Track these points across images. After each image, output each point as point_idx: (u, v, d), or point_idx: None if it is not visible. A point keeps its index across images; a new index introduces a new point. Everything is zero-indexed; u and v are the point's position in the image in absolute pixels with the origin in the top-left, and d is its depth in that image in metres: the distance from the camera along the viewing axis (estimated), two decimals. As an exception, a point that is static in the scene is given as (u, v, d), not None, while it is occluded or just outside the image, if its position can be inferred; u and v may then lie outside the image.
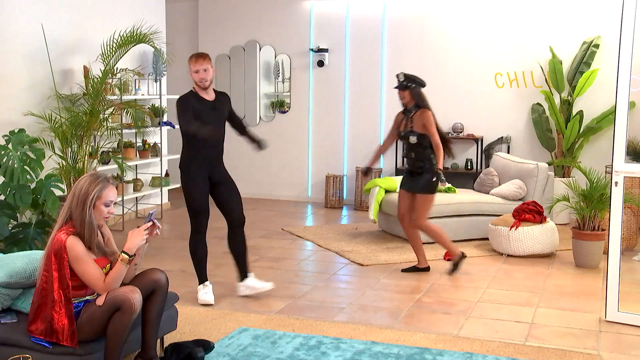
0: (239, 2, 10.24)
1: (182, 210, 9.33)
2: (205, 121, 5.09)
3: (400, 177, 7.92)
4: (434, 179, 5.94)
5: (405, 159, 6.15)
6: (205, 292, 5.31)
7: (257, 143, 5.45)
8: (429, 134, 5.94)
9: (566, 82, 8.61)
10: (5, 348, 3.60)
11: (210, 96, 5.25)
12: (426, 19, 9.35)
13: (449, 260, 6.61)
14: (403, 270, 6.24)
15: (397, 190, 6.51)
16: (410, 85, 6.02)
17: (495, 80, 9.08)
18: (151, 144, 8.73)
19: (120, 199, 7.88)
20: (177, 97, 5.38)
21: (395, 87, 6.12)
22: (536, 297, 5.53)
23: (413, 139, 6.00)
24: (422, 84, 6.11)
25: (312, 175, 10.09)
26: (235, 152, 10.38)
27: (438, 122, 6.07)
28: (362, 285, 5.85)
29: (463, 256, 6.16)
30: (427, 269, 6.25)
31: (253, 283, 5.43)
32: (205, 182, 5.24)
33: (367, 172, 6.40)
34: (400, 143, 9.42)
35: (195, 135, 5.01)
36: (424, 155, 6.00)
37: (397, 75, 6.07)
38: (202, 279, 5.39)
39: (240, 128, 5.50)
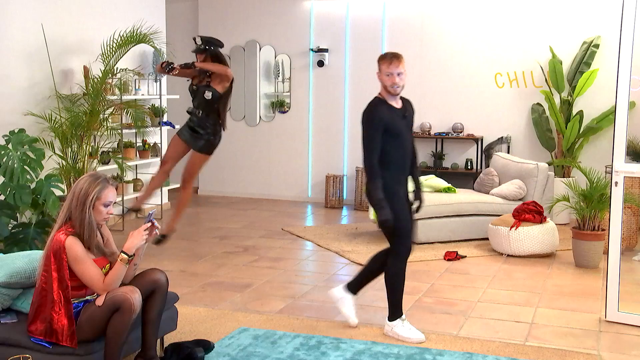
0: (239, 2, 10.24)
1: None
2: (397, 132, 4.45)
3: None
4: (216, 138, 6.15)
5: (189, 113, 6.15)
6: (410, 328, 4.57)
7: (417, 197, 4.64)
8: (222, 64, 6.04)
9: (566, 82, 8.61)
10: (5, 348, 3.60)
11: (398, 103, 4.57)
12: (426, 19, 9.35)
13: (449, 260, 6.62)
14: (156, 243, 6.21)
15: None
16: (208, 48, 6.08)
17: (495, 80, 9.08)
18: (151, 144, 8.73)
19: (120, 199, 7.88)
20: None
21: (193, 51, 6.14)
22: (536, 297, 5.53)
23: (208, 95, 5.98)
24: (220, 45, 6.15)
25: (312, 175, 10.09)
26: (235, 152, 10.40)
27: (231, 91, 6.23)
28: (362, 285, 5.84)
29: (172, 232, 6.37)
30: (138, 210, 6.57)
31: (348, 303, 4.80)
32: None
33: (169, 69, 6.17)
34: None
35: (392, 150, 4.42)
36: (213, 118, 6.10)
37: (194, 39, 6.13)
38: (400, 312, 4.63)
39: (415, 161, 4.69)
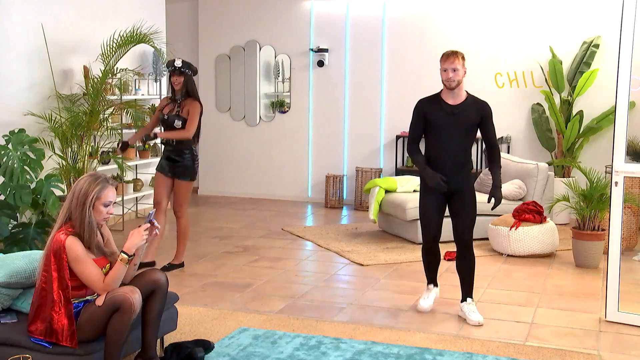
0: (239, 2, 10.24)
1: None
2: (437, 127, 4.75)
3: (400, 177, 7.97)
4: (195, 164, 6.15)
5: (164, 144, 6.21)
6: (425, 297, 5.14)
7: (492, 194, 4.86)
8: (190, 121, 6.02)
9: (566, 82, 8.61)
10: (5, 348, 3.60)
11: (456, 100, 4.78)
12: (426, 19, 9.35)
13: (449, 260, 6.62)
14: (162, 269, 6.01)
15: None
16: (185, 72, 6.04)
17: (495, 80, 9.08)
18: (151, 144, 8.72)
19: (120, 199, 7.88)
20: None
21: (171, 70, 6.06)
22: (536, 297, 5.53)
23: (178, 124, 6.02)
24: (195, 71, 6.17)
25: (312, 175, 10.09)
26: (235, 152, 10.40)
27: (201, 120, 6.18)
28: (362, 285, 5.85)
29: (181, 265, 6.30)
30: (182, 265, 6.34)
31: (467, 309, 4.92)
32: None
33: (124, 147, 6.37)
34: (400, 143, 9.45)
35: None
36: (187, 145, 6.09)
37: (174, 61, 6.04)
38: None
39: (492, 158, 4.96)
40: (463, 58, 4.76)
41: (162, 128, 6.29)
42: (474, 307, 4.94)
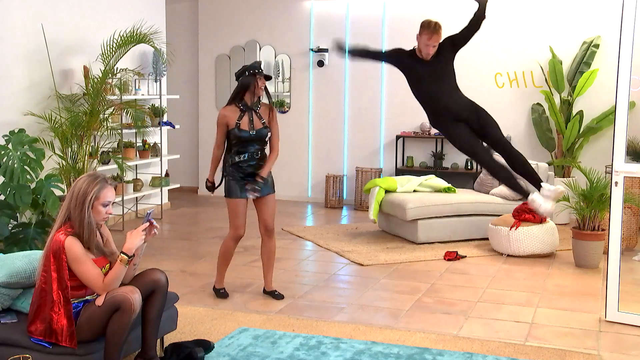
0: (239, 2, 10.23)
1: (182, 210, 9.37)
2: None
3: (400, 177, 7.96)
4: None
5: (248, 163, 5.18)
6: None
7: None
8: (276, 132, 5.28)
9: (566, 82, 8.61)
10: (5, 348, 3.60)
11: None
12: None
13: (449, 260, 6.62)
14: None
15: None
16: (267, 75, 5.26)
17: (495, 80, 9.08)
18: (151, 144, 8.73)
19: (120, 199, 7.88)
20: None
21: (257, 73, 5.15)
22: (536, 297, 5.53)
23: (268, 135, 5.21)
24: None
25: (312, 175, 10.09)
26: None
27: None
28: (362, 285, 5.85)
29: (222, 293, 5.46)
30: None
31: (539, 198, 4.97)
32: None
33: (212, 189, 5.52)
34: (401, 143, 9.44)
35: None
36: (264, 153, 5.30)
37: (260, 63, 5.28)
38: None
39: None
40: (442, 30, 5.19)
41: (239, 147, 5.19)
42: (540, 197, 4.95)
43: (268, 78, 5.23)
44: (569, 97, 8.52)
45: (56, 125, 6.79)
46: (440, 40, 5.20)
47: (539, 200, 4.93)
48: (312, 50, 9.85)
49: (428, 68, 5.23)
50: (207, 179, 5.49)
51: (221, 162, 5.36)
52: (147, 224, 3.72)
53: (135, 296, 3.55)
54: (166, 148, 9.27)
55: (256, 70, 5.13)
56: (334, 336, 4.56)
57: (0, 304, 3.84)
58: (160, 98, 8.76)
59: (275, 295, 5.42)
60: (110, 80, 7.62)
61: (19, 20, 6.83)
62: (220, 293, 5.45)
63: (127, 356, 3.88)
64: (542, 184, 4.97)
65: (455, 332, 4.71)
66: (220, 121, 5.20)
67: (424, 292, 5.63)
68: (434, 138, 9.21)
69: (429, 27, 5.17)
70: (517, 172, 5.08)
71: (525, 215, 6.77)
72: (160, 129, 8.85)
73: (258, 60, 5.37)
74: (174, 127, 9.04)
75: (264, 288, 5.53)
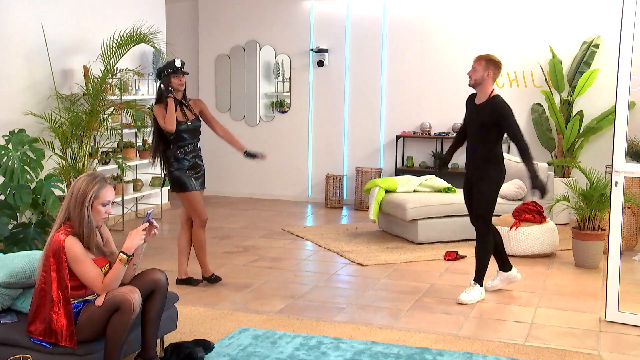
0: (239, 2, 10.23)
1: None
2: (465, 122, 5.65)
3: (400, 177, 7.96)
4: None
5: (191, 154, 5.88)
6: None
7: (534, 185, 5.14)
8: (213, 117, 6.21)
9: (566, 82, 8.61)
10: (5, 348, 3.60)
11: (480, 99, 5.44)
12: (426, 19, 9.34)
13: (449, 260, 6.62)
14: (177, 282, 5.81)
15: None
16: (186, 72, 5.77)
17: (495, 80, 9.06)
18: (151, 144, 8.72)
19: (120, 199, 7.88)
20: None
21: (173, 72, 5.59)
22: (536, 297, 5.53)
23: (200, 127, 5.94)
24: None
25: (312, 175, 10.09)
26: (235, 152, 10.36)
27: None
28: (362, 285, 5.85)
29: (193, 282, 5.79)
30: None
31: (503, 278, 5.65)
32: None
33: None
34: (400, 143, 9.43)
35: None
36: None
37: (174, 61, 5.62)
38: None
39: (519, 153, 5.24)
40: (486, 61, 5.32)
41: (178, 141, 5.74)
42: (471, 288, 5.40)
43: (185, 73, 5.70)
44: (569, 97, 8.52)
45: (56, 125, 6.79)
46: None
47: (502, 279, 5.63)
48: (312, 50, 9.85)
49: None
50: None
51: (162, 160, 5.84)
52: (147, 223, 3.72)
53: (135, 296, 3.55)
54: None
55: (170, 70, 5.61)
56: (334, 336, 4.56)
57: (0, 304, 3.84)
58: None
59: (213, 279, 5.78)
60: (110, 80, 7.63)
61: (19, 20, 6.83)
62: (212, 279, 5.82)
63: (127, 356, 3.88)
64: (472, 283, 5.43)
65: (455, 332, 4.71)
66: (158, 113, 5.61)
67: (424, 292, 5.63)
68: (434, 138, 9.21)
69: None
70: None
71: (525, 215, 6.77)
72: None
73: (176, 58, 5.71)
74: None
75: (202, 275, 5.84)
